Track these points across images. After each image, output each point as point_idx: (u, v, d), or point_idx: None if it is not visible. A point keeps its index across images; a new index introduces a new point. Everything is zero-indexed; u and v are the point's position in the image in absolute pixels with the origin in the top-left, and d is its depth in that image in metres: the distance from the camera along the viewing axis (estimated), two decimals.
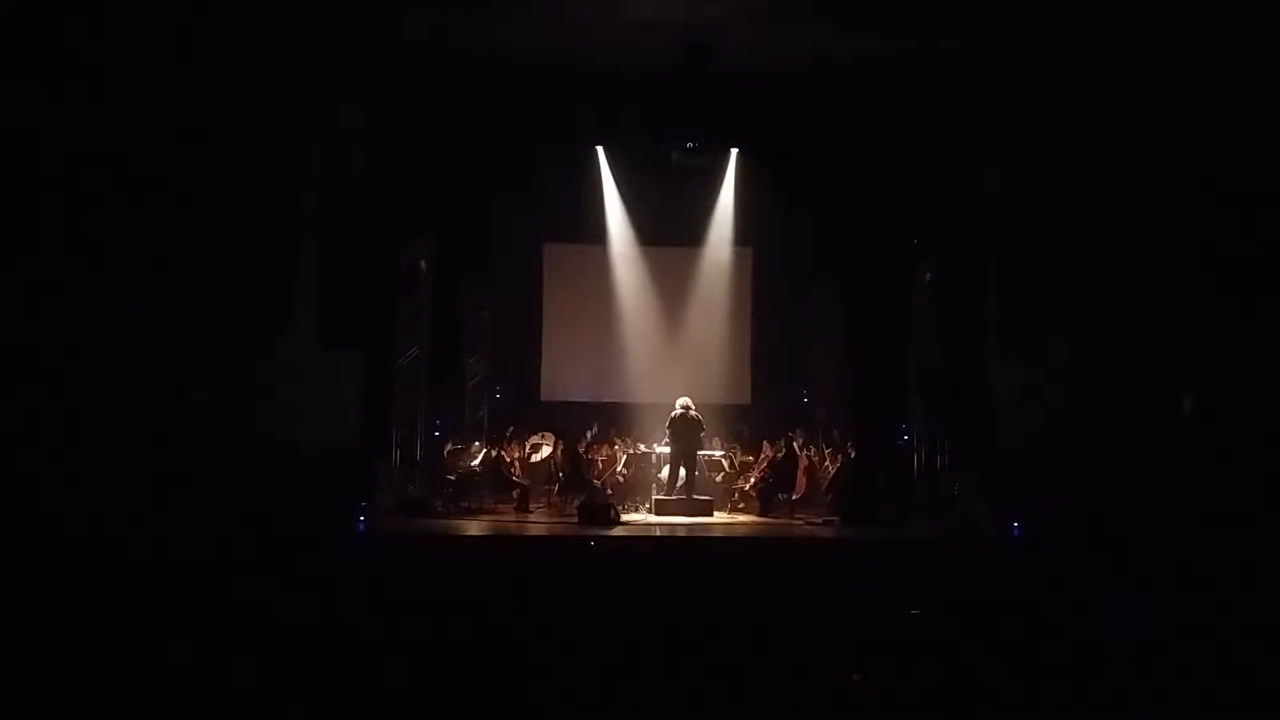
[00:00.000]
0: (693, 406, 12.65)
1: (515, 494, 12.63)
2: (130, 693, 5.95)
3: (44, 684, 5.91)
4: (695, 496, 12.49)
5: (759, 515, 12.53)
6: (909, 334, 14.00)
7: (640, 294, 15.40)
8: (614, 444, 13.57)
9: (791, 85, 12.15)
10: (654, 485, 13.15)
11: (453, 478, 12.77)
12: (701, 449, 13.02)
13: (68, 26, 8.47)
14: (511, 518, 12.16)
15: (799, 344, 15.83)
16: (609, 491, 12.67)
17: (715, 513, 12.50)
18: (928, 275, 13.62)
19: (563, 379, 15.70)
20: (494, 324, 15.55)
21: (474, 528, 11.38)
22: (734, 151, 14.38)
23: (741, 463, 13.54)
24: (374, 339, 12.01)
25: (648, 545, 10.61)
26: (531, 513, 12.45)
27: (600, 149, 14.52)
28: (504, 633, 7.58)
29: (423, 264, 13.59)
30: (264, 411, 10.28)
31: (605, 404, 14.99)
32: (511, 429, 13.70)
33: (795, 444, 12.97)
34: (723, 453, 13.71)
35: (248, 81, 9.92)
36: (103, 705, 5.83)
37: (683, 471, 12.62)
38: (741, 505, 13.12)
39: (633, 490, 13.23)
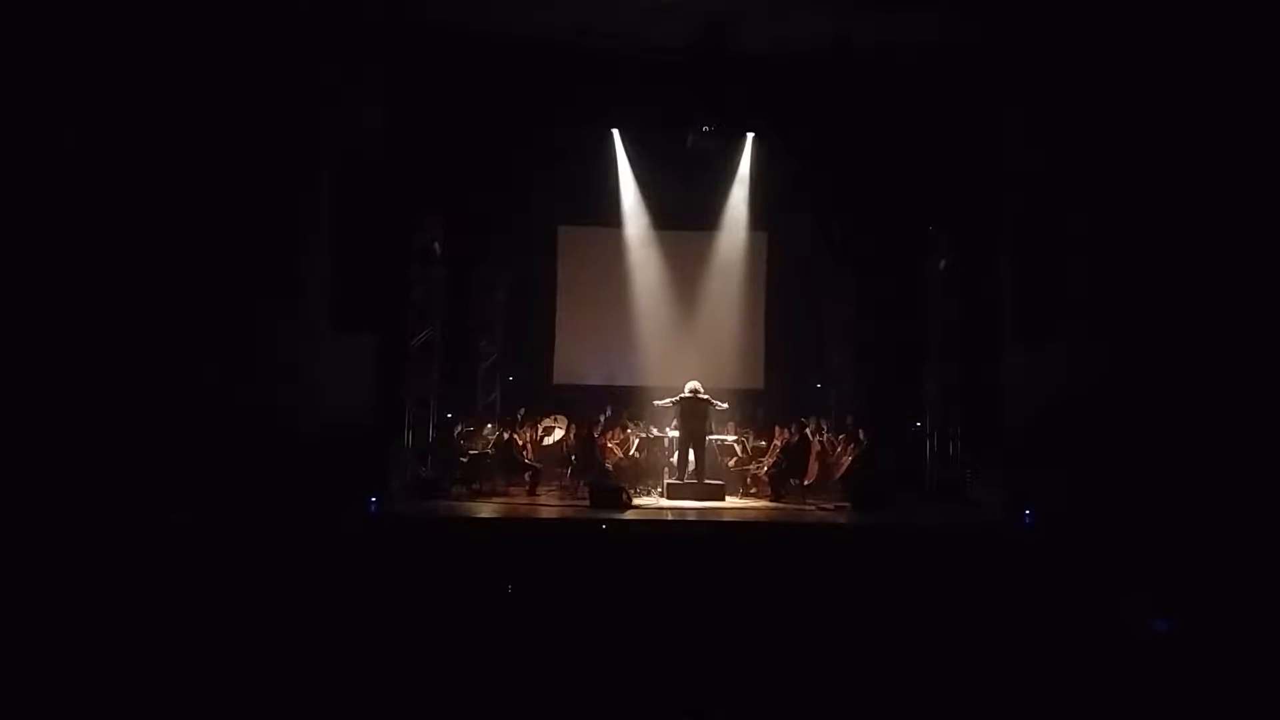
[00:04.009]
0: (702, 390, 12.65)
1: (527, 476, 12.64)
2: (137, 673, 5.98)
3: (51, 661, 5.95)
4: (707, 481, 12.50)
5: (771, 500, 12.51)
6: (923, 321, 13.97)
7: (654, 278, 15.38)
8: (626, 427, 13.56)
9: (809, 69, 12.08)
10: (666, 469, 13.16)
11: (464, 460, 12.78)
12: (710, 433, 13.02)
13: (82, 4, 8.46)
14: (523, 500, 12.18)
15: (813, 329, 15.79)
16: (623, 475, 12.66)
17: (727, 497, 12.51)
18: (942, 262, 13.58)
19: (576, 362, 15.69)
20: (507, 306, 15.54)
21: (485, 510, 11.39)
22: (750, 135, 14.35)
23: (754, 448, 13.52)
24: (386, 320, 12.00)
25: (659, 529, 10.60)
26: (541, 496, 12.48)
27: (616, 131, 14.48)
28: (515, 614, 7.61)
29: (436, 245, 13.59)
30: (276, 393, 10.28)
31: (618, 387, 14.96)
32: (523, 411, 13.71)
33: (808, 429, 12.96)
34: (735, 438, 13.70)
35: (261, 57, 9.88)
36: (112, 684, 5.86)
37: (692, 455, 12.63)
38: (754, 490, 13.12)
39: (645, 474, 13.23)
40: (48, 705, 5.72)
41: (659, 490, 12.80)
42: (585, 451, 12.72)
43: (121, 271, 8.66)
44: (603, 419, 13.58)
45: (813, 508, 12.00)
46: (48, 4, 8.20)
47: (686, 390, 12.66)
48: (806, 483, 12.58)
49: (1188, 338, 9.36)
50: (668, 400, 12.92)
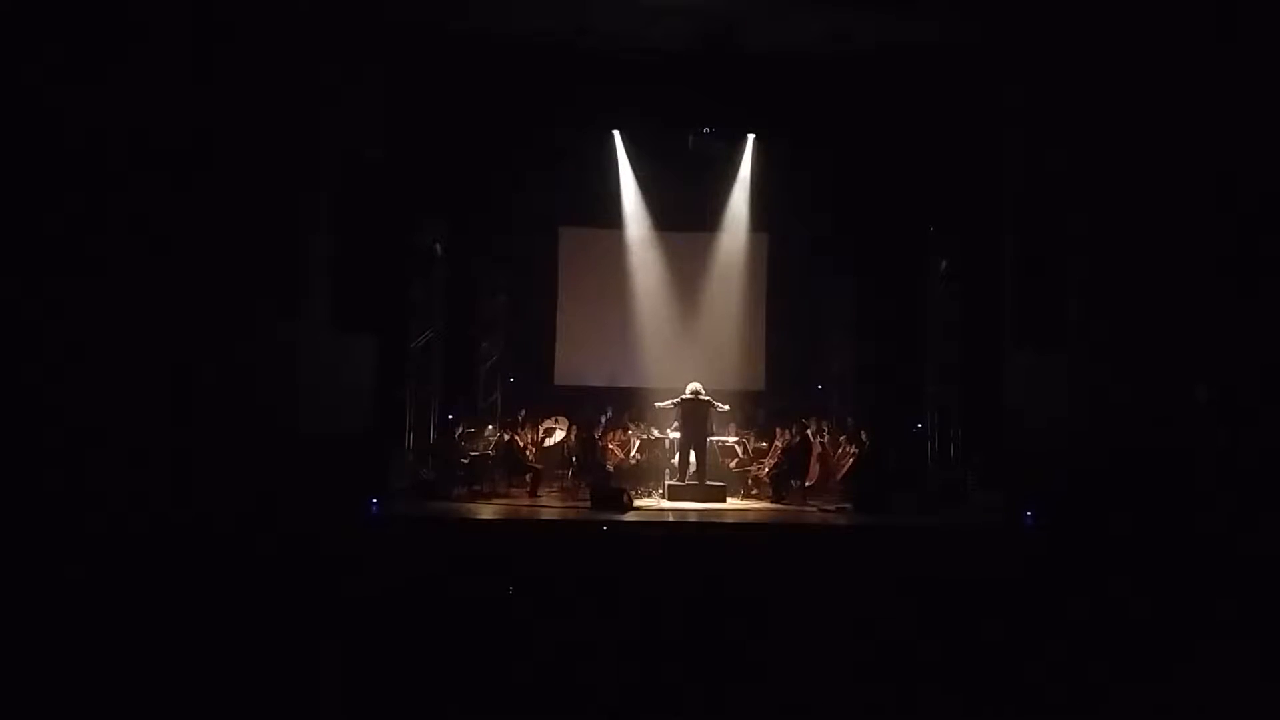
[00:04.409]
0: (703, 391, 12.64)
1: (528, 478, 12.63)
2: (137, 674, 5.97)
3: (50, 662, 5.94)
4: (709, 483, 12.48)
5: (772, 502, 12.50)
6: (924, 322, 13.96)
7: (656, 279, 15.36)
8: (627, 429, 13.54)
9: (810, 70, 12.09)
10: (667, 470, 13.14)
11: (466, 461, 12.77)
12: (711, 434, 13.00)
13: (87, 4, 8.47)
14: (524, 502, 12.17)
15: (813, 331, 15.77)
16: (624, 476, 12.65)
17: (728, 499, 12.49)
18: (943, 263, 13.57)
19: (577, 363, 15.67)
20: (508, 307, 15.51)
21: (486, 511, 11.39)
22: (750, 137, 14.37)
23: (755, 449, 13.50)
24: (388, 322, 12.00)
25: (660, 530, 10.58)
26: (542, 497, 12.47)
27: (617, 133, 14.51)
28: (515, 616, 7.59)
29: (438, 246, 13.58)
30: (278, 394, 10.29)
31: (619, 389, 14.94)
32: (524, 413, 13.69)
33: (809, 431, 12.94)
34: (736, 439, 13.68)
35: (261, 56, 9.89)
36: (113, 685, 5.85)
37: (693, 457, 12.62)
38: (755, 491, 13.10)
39: (646, 475, 13.21)
40: (48, 707, 5.71)
41: (660, 492, 12.78)
42: (586, 453, 12.71)
43: (122, 271, 8.66)
44: (604, 420, 13.57)
45: (814, 509, 11.99)
46: (49, 4, 8.22)
47: (687, 392, 12.63)
48: (807, 484, 12.57)
49: (1188, 337, 9.36)
50: (669, 402, 12.91)
